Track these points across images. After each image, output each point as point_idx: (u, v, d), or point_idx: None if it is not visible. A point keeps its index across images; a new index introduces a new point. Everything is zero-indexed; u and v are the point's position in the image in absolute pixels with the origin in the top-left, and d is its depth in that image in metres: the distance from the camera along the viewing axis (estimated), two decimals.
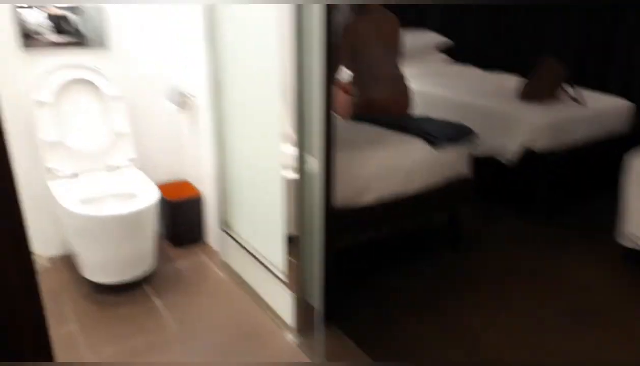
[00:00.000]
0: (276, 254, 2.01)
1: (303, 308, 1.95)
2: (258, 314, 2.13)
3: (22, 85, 2.18)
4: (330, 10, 1.56)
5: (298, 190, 1.79)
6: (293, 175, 1.77)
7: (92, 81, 2.29)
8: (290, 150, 1.74)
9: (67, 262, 2.40)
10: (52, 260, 2.45)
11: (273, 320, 2.07)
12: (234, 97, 2.16)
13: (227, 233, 2.43)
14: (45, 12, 2.18)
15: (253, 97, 2.02)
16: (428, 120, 2.58)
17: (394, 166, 2.18)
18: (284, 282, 1.97)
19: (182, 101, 2.39)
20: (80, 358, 1.85)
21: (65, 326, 2.02)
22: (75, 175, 2.29)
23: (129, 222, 2.08)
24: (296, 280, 1.91)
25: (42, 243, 2.43)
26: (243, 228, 2.34)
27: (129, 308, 2.14)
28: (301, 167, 1.76)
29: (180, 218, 2.60)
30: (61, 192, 2.15)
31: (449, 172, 2.41)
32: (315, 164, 1.73)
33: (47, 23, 2.20)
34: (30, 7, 2.13)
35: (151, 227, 2.21)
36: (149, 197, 2.17)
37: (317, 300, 1.91)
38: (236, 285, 2.33)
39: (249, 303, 2.20)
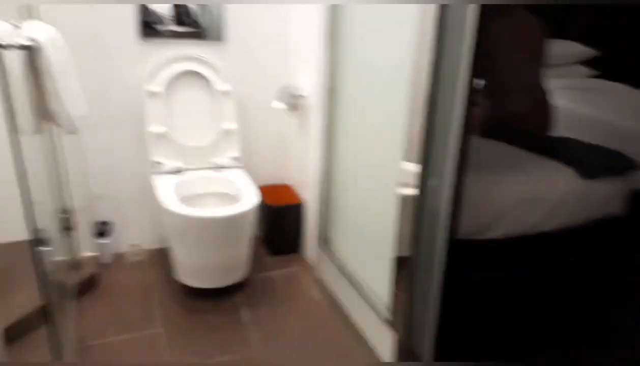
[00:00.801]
0: (380, 283, 1.74)
1: (406, 353, 1.66)
2: (351, 347, 1.87)
3: (137, 75, 2.14)
4: (485, 11, 1.25)
5: (416, 212, 1.50)
6: (411, 193, 1.49)
7: (204, 75, 2.20)
8: (410, 166, 1.46)
9: (163, 258, 2.34)
10: (149, 253, 2.42)
11: (368, 356, 1.81)
12: (350, 102, 1.93)
13: (326, 248, 2.21)
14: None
15: (373, 103, 1.76)
16: (576, 144, 2.15)
17: (534, 197, 1.80)
18: (386, 320, 1.69)
19: (293, 102, 2.21)
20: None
21: (151, 327, 1.93)
22: (178, 171, 2.22)
23: (228, 225, 1.94)
24: (402, 320, 1.62)
25: (141, 235, 2.40)
26: (343, 246, 2.10)
27: (216, 317, 2.01)
28: (423, 185, 1.47)
29: (279, 224, 2.44)
30: (163, 188, 2.07)
31: (600, 208, 1.96)
32: (441, 185, 1.43)
33: (169, 13, 2.15)
34: None
35: (249, 232, 2.06)
36: (250, 199, 2.02)
37: (426, 350, 1.60)
38: (330, 307, 2.10)
39: (342, 332, 1.95)
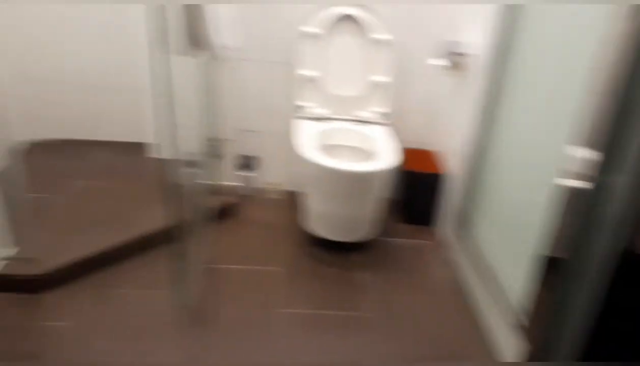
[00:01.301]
0: (519, 282, 1.49)
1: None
2: (469, 343, 1.68)
3: (296, 14, 2.09)
4: None
5: (583, 210, 1.21)
6: (577, 185, 1.20)
7: (363, 21, 2.06)
8: (582, 153, 1.17)
9: (296, 201, 2.36)
10: (285, 193, 2.45)
11: (488, 355, 1.60)
12: (520, 68, 1.63)
13: (462, 228, 1.99)
14: None
15: (545, 72, 1.46)
16: None
17: None
18: (519, 326, 1.46)
19: (454, 59, 1.96)
20: (275, 306, 1.76)
21: (272, 264, 1.96)
22: (321, 118, 2.16)
23: (360, 180, 1.85)
24: (540, 331, 1.37)
25: (281, 175, 2.43)
26: (483, 230, 1.86)
27: (335, 270, 1.97)
28: (600, 179, 1.17)
29: (416, 192, 2.26)
30: (302, 133, 2.04)
31: None
32: (625, 182, 1.12)
33: None
34: None
35: (382, 192, 1.94)
36: (389, 159, 1.88)
37: None
38: (454, 293, 1.90)
39: (462, 324, 1.76)
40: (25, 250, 1.72)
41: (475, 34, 1.90)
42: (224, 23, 1.43)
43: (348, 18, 2.06)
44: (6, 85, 2.29)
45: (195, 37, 1.32)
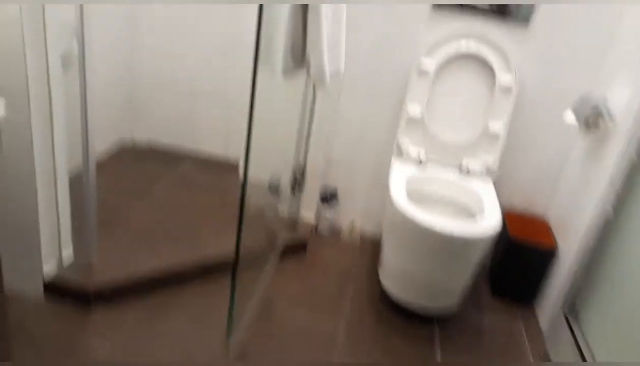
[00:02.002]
0: None
1: None
2: None
3: (413, 47, 1.90)
4: None
5: None
6: None
7: (488, 61, 1.82)
8: None
9: (376, 249, 2.14)
10: (365, 236, 2.24)
11: None
12: None
13: (570, 318, 1.65)
14: None
15: None
16: None
17: None
18: None
19: (592, 119, 1.64)
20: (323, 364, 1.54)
21: (334, 316, 1.75)
22: (421, 162, 1.93)
23: (454, 244, 1.58)
24: None
25: (364, 215, 2.23)
26: (598, 329, 1.51)
27: (405, 341, 1.70)
28: None
29: (517, 263, 1.94)
30: (397, 175, 1.82)
31: None
32: None
33: None
34: None
35: (477, 261, 1.66)
36: (491, 223, 1.60)
37: None
38: None
39: None
40: (83, 257, 1.65)
41: (625, 91, 1.58)
42: (331, 45, 1.28)
43: (469, 57, 1.83)
44: (110, 84, 2.32)
45: (301, 58, 1.17)
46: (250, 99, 1.06)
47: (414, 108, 1.90)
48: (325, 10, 1.21)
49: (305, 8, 1.10)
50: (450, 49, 1.83)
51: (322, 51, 1.15)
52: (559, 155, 1.97)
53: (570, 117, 1.69)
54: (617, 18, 1.74)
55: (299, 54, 1.16)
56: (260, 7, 0.95)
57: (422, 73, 1.87)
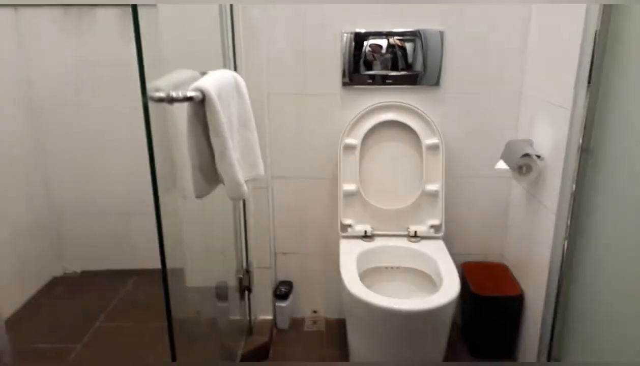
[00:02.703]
0: None
1: None
2: None
3: (335, 125, 1.89)
4: None
5: None
6: None
7: (410, 125, 1.83)
8: None
9: (342, 332, 2.01)
10: (328, 323, 2.12)
11: None
12: (622, 166, 1.30)
13: (552, 360, 1.57)
14: (384, 42, 1.80)
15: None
16: None
17: None
18: None
19: (523, 163, 1.65)
20: None
21: None
22: (368, 236, 1.88)
23: (417, 321, 1.50)
24: None
25: (323, 301, 2.13)
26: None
27: None
28: None
29: (487, 318, 1.87)
30: (346, 256, 1.75)
31: None
32: None
33: (380, 56, 1.83)
34: (366, 36, 1.79)
35: (445, 329, 1.58)
36: (448, 289, 1.54)
37: None
38: None
39: None
40: None
41: (549, 133, 1.61)
42: (241, 152, 1.23)
43: (392, 123, 1.84)
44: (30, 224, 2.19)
45: (214, 175, 1.10)
46: (157, 224, 0.97)
47: (348, 185, 1.87)
48: (229, 118, 1.17)
49: (205, 123, 1.05)
50: (370, 121, 1.84)
51: (233, 165, 1.09)
52: (502, 200, 1.97)
53: (502, 167, 1.70)
54: (521, 70, 1.81)
55: (210, 172, 1.10)
56: (148, 128, 0.89)
57: (348, 149, 1.85)
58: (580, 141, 1.41)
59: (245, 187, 1.13)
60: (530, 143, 1.71)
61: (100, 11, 2.17)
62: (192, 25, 1.41)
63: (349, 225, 1.90)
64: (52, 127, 2.28)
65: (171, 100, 0.96)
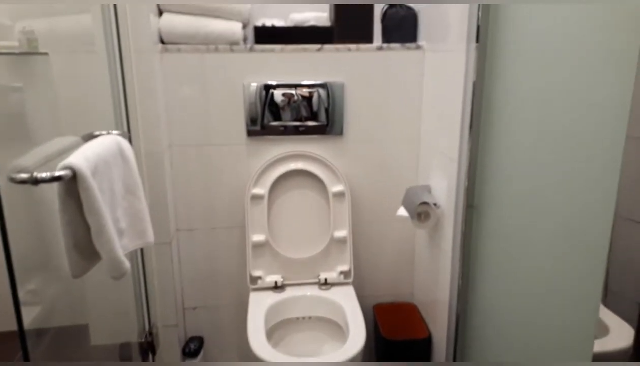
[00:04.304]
0: None
1: None
2: None
3: (241, 175, 1.87)
4: None
5: None
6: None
7: (316, 174, 1.84)
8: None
9: None
10: None
11: None
12: (508, 218, 1.39)
13: None
14: (289, 91, 1.82)
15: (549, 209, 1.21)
16: None
17: None
18: None
19: (422, 209, 1.71)
20: None
21: None
22: (278, 287, 1.85)
23: None
24: None
25: (237, 355, 2.06)
26: None
27: None
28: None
29: (397, 360, 1.89)
30: (254, 310, 1.72)
31: None
32: None
33: (283, 107, 1.83)
34: (274, 87, 1.79)
35: None
36: (355, 339, 1.55)
37: None
38: None
39: None
40: None
41: (441, 186, 1.68)
42: (136, 223, 1.17)
43: (298, 172, 1.85)
44: None
45: (93, 253, 1.03)
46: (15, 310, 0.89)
47: (257, 236, 1.85)
48: (111, 188, 1.11)
49: (79, 201, 0.98)
50: (277, 171, 1.84)
51: (111, 242, 1.03)
52: (408, 242, 2.03)
53: (403, 213, 1.75)
54: (418, 118, 1.89)
55: (88, 249, 1.03)
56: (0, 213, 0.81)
57: (255, 199, 1.83)
58: (464, 199, 1.48)
59: (126, 264, 1.06)
60: (428, 189, 1.79)
61: None
62: (76, 80, 1.33)
63: (259, 277, 1.86)
64: None
65: (35, 181, 0.90)
